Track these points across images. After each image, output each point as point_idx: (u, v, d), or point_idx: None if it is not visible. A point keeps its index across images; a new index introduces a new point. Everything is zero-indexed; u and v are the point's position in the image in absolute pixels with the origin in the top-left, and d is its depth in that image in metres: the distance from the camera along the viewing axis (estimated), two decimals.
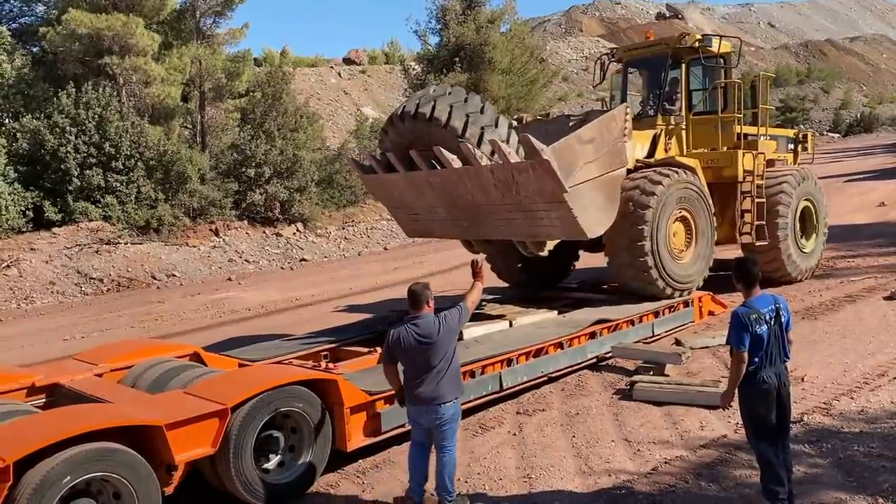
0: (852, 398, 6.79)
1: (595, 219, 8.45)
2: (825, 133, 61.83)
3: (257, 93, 22.87)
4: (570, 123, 10.14)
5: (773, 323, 4.70)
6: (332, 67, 44.56)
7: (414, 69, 28.30)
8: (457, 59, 25.46)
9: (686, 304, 9.82)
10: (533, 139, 7.65)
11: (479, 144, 8.16)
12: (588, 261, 12.65)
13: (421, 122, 8.39)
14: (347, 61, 47.74)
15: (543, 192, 7.97)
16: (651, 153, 10.53)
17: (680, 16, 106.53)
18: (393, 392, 5.55)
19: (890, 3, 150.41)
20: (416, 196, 9.35)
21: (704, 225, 10.18)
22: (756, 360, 4.66)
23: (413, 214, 9.96)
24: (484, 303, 10.64)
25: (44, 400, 6.37)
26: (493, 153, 8.09)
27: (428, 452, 5.27)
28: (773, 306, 4.76)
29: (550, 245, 9.30)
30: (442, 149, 8.18)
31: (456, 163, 8.24)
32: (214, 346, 9.52)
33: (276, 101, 22.27)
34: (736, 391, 4.77)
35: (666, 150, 10.71)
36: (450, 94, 8.59)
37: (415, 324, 5.10)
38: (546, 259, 9.91)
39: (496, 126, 8.35)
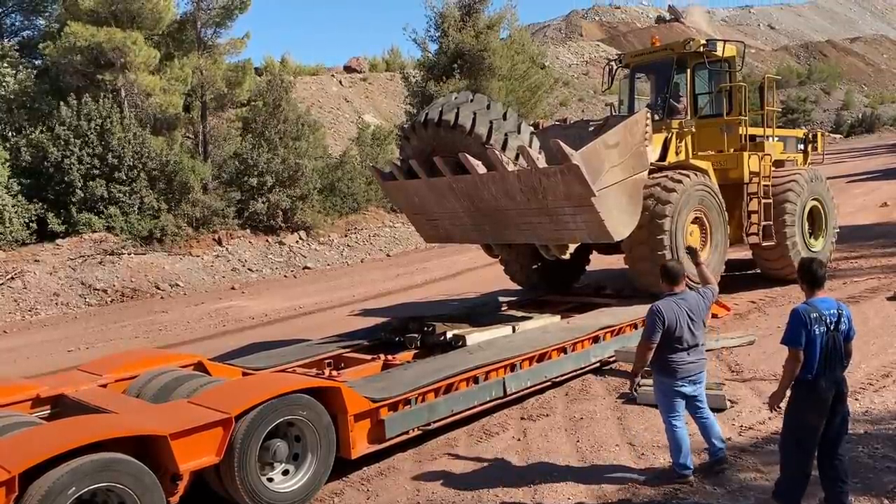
0: (857, 399, 6.76)
1: (620, 221, 8.58)
2: (827, 134, 61.72)
3: (259, 102, 22.92)
4: (590, 128, 10.23)
5: (832, 328, 4.53)
6: (333, 75, 44.67)
7: (414, 77, 28.37)
8: (455, 65, 25.48)
9: None
10: (563, 144, 7.76)
11: (503, 150, 8.23)
12: (590, 265, 12.66)
13: (444, 128, 8.46)
14: (348, 69, 47.84)
15: (571, 196, 8.07)
16: (663, 156, 10.62)
17: (680, 19, 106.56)
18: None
19: (889, 2, 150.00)
20: (438, 202, 9.42)
21: (718, 225, 10.39)
22: (816, 366, 4.49)
23: (433, 220, 10.02)
24: (487, 307, 10.66)
25: (48, 411, 6.40)
26: (517, 158, 8.16)
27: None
28: (835, 310, 4.58)
29: (572, 248, 9.38)
30: (468, 155, 8.27)
31: (481, 168, 8.31)
32: (218, 355, 9.53)
33: (278, 110, 22.33)
34: (788, 393, 4.62)
35: (677, 154, 10.81)
36: (472, 101, 8.64)
37: (682, 298, 5.51)
38: (561, 262, 9.97)
39: (519, 132, 8.41)
